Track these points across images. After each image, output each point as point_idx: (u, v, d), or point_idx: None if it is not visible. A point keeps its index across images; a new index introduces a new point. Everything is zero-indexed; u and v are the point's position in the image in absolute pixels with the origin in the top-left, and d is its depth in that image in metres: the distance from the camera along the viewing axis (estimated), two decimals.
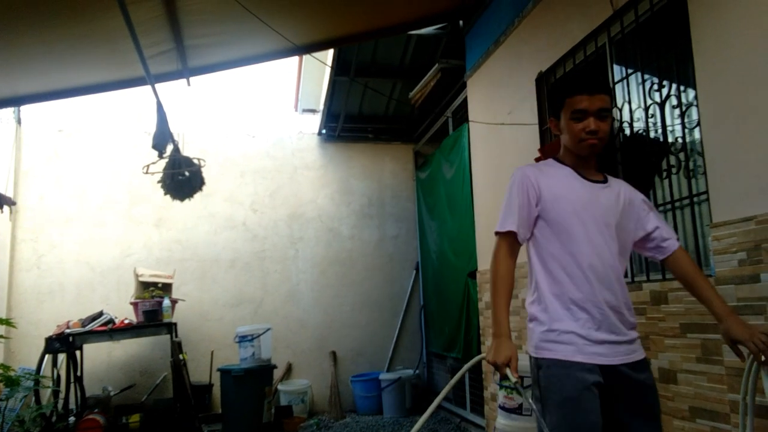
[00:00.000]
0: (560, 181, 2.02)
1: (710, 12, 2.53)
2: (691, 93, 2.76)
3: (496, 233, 2.05)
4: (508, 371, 1.89)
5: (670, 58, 2.91)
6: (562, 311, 1.93)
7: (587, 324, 1.91)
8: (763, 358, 1.87)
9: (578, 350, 1.89)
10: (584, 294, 1.92)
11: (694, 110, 2.73)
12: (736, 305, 2.33)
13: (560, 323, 1.92)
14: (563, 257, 1.96)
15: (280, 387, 6.34)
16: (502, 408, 3.63)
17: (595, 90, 1.97)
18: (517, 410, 3.55)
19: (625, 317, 1.96)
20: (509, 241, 2.02)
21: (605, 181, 2.08)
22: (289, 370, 6.68)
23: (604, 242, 1.95)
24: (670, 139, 2.93)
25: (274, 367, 6.01)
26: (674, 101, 2.88)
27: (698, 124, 2.65)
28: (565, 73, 2.12)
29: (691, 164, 2.78)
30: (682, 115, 2.82)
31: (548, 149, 3.41)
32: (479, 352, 5.04)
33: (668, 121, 2.94)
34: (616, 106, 3.31)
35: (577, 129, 1.98)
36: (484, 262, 4.90)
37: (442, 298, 6.17)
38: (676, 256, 2.07)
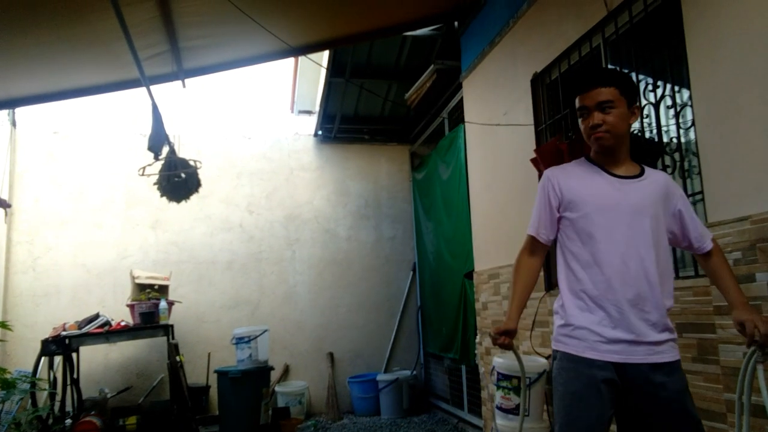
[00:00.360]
0: (584, 180, 2.04)
1: (704, 12, 2.54)
2: (686, 93, 2.77)
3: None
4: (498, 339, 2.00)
5: (665, 59, 2.92)
6: (578, 307, 1.97)
7: (603, 321, 1.92)
8: (757, 338, 1.85)
9: (590, 347, 1.92)
10: (601, 292, 1.93)
11: (688, 110, 2.74)
12: None
13: (575, 319, 1.96)
14: (583, 255, 1.99)
15: (277, 388, 6.33)
16: (500, 408, 3.63)
17: (588, 86, 2.00)
18: (515, 410, 3.55)
19: (652, 318, 1.92)
20: (532, 241, 2.13)
21: (640, 174, 2.06)
22: (286, 372, 6.67)
23: (631, 239, 1.94)
24: (665, 140, 2.94)
25: (272, 368, 6.00)
26: (669, 101, 2.89)
27: (693, 124, 2.66)
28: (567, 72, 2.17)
29: (686, 164, 2.79)
30: (676, 116, 2.83)
31: (544, 150, 3.42)
32: (476, 353, 5.04)
33: (663, 122, 2.94)
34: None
35: (584, 126, 2.03)
36: (480, 262, 4.90)
37: (439, 298, 6.17)
38: (709, 257, 2.07)
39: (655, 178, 2.06)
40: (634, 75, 3.11)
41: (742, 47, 2.35)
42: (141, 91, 4.94)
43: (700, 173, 2.58)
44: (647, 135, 3.07)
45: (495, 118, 4.53)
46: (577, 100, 2.05)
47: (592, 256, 1.97)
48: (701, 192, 2.58)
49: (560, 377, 1.97)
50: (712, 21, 2.49)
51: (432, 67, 5.33)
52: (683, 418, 1.88)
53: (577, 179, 2.06)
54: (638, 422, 1.92)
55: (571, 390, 1.92)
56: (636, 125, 3.14)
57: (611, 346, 1.90)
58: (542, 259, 2.13)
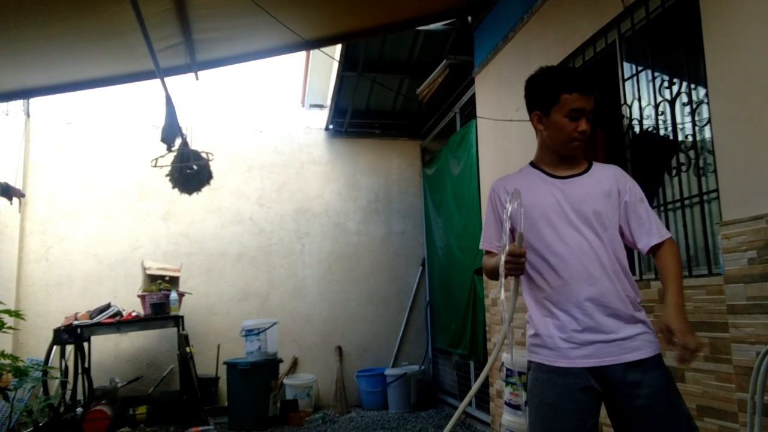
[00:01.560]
0: (525, 189, 1.96)
1: (722, 9, 2.52)
2: (702, 91, 2.74)
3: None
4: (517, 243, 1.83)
5: (681, 56, 2.89)
6: (545, 316, 1.92)
7: (570, 326, 1.86)
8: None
9: (561, 355, 1.86)
10: (563, 296, 1.88)
11: (704, 108, 2.72)
12: (745, 304, 2.33)
13: (544, 328, 1.91)
14: (538, 262, 1.94)
15: (285, 381, 6.37)
16: (508, 404, 3.64)
17: (590, 90, 1.95)
18: (521, 406, 3.55)
19: (619, 312, 1.85)
20: (488, 254, 2.11)
21: (586, 170, 2.00)
22: (294, 365, 6.70)
23: (581, 237, 1.89)
24: (680, 137, 2.91)
25: (280, 361, 6.05)
26: (684, 99, 2.86)
27: (709, 121, 2.64)
28: (548, 67, 2.02)
29: (701, 162, 2.77)
30: (692, 113, 2.80)
31: None
32: (485, 349, 5.05)
33: (678, 119, 2.92)
34: (625, 102, 3.29)
35: (570, 128, 1.93)
36: None
37: (448, 294, 6.17)
38: (656, 252, 1.93)
39: (600, 173, 2.00)
40: (649, 71, 3.09)
41: (761, 45, 2.32)
42: (154, 83, 4.98)
43: (715, 171, 2.56)
44: (662, 132, 3.05)
45: (507, 114, 4.51)
46: (571, 99, 1.91)
47: (546, 261, 1.92)
48: (716, 190, 2.56)
49: (535, 389, 1.92)
50: (731, 18, 2.47)
51: (444, 62, 5.31)
52: (669, 416, 1.79)
53: (522, 187, 1.97)
54: (626, 425, 1.84)
55: (546, 401, 1.86)
56: (650, 122, 3.12)
57: (583, 350, 1.84)
58: None
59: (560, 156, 2.01)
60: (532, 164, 2.10)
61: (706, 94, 2.64)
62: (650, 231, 1.94)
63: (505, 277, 1.84)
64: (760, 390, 2.14)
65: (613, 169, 2.04)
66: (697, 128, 2.79)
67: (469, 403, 5.68)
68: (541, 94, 2.00)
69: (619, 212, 1.96)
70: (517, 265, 1.82)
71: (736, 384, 2.36)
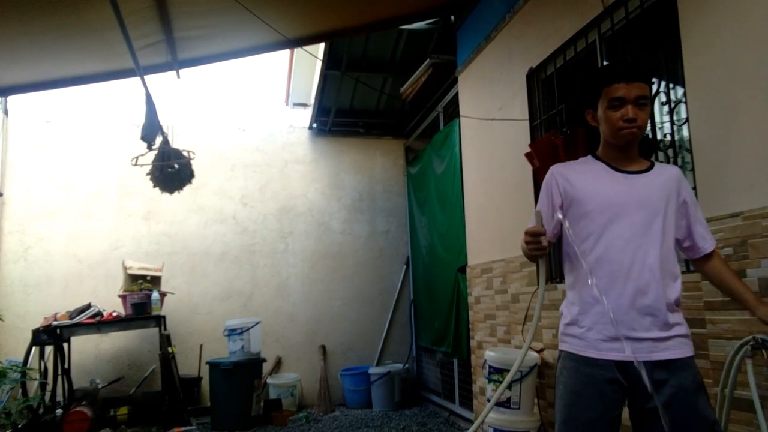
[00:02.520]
0: (588, 179, 2.00)
1: (699, 10, 2.56)
2: (680, 90, 2.78)
3: None
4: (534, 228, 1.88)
5: (660, 56, 2.93)
6: (582, 306, 1.95)
7: (605, 319, 1.87)
8: None
9: (591, 345, 1.90)
10: (608, 290, 1.88)
11: (683, 107, 2.76)
12: (722, 300, 2.37)
13: (578, 318, 1.94)
14: (586, 254, 1.94)
15: (269, 380, 6.34)
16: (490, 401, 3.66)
17: (632, 77, 1.93)
18: (506, 404, 3.58)
19: (659, 314, 1.86)
20: None
21: (649, 168, 2.01)
22: (278, 364, 6.68)
23: (634, 234, 1.90)
24: (659, 136, 2.95)
25: (264, 360, 6.02)
26: (663, 98, 2.90)
27: (687, 120, 2.68)
28: (597, 67, 2.05)
29: (679, 161, 2.81)
30: (671, 112, 2.84)
31: (539, 145, 3.43)
32: (468, 347, 5.07)
33: (657, 118, 2.96)
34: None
35: (615, 118, 1.94)
36: (474, 257, 4.92)
37: (432, 292, 6.19)
38: (709, 259, 2.01)
39: (664, 172, 2.01)
40: None
41: (736, 44, 2.36)
42: (134, 81, 4.92)
43: (693, 169, 2.60)
44: None
45: (490, 112, 4.54)
46: (610, 90, 1.94)
47: (595, 253, 1.93)
48: (694, 188, 2.60)
49: (562, 376, 1.97)
50: (708, 18, 2.51)
51: (428, 61, 5.33)
52: (690, 419, 1.79)
53: (582, 176, 2.02)
54: (644, 423, 1.86)
55: (571, 389, 1.91)
56: None
57: (613, 344, 1.86)
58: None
59: (619, 149, 2.00)
60: (595, 156, 2.08)
61: (684, 94, 2.68)
62: (708, 236, 2.01)
63: (530, 258, 1.92)
64: (731, 383, 2.19)
65: (675, 169, 2.05)
66: (675, 127, 2.83)
67: (453, 401, 5.70)
68: (589, 92, 2.07)
69: (678, 214, 1.98)
70: (537, 245, 1.86)
71: (713, 379, 2.39)
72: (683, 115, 2.75)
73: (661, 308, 1.87)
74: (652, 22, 2.97)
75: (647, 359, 1.83)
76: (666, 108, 2.89)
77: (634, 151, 2.02)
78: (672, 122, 2.83)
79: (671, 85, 2.86)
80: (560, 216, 1.99)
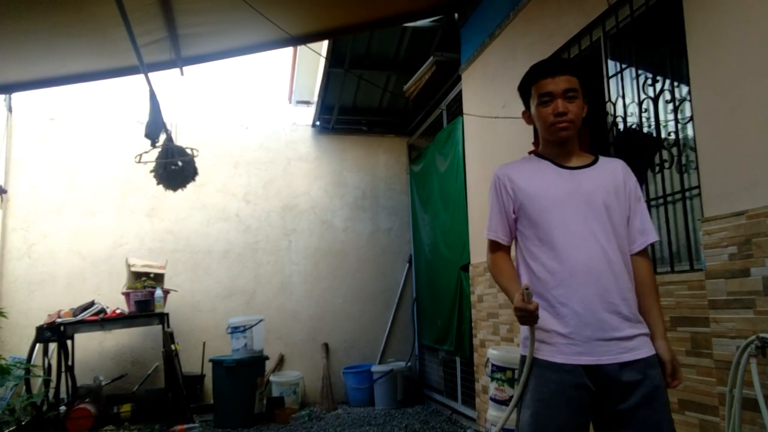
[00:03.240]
0: (535, 177, 1.95)
1: (704, 8, 2.54)
2: (685, 88, 2.77)
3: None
4: (525, 297, 1.77)
5: (664, 54, 2.92)
6: (544, 309, 1.85)
7: (571, 322, 1.81)
8: (670, 381, 1.83)
9: (558, 350, 1.82)
10: (566, 290, 1.83)
11: (687, 105, 2.75)
12: (726, 299, 2.36)
13: (542, 322, 1.83)
14: (543, 254, 1.89)
15: (272, 378, 6.35)
16: (494, 400, 3.66)
17: (557, 71, 1.91)
18: (508, 402, 3.57)
19: (622, 309, 1.81)
20: (494, 243, 2.05)
21: (593, 162, 1.97)
22: (281, 362, 6.69)
23: (589, 231, 1.85)
24: (663, 134, 2.94)
25: (266, 358, 6.03)
26: (668, 96, 2.89)
27: (691, 119, 2.67)
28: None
29: (683, 159, 2.80)
30: (675, 110, 2.83)
31: None
32: (471, 345, 5.07)
33: (661, 117, 2.95)
34: (610, 100, 3.32)
35: (546, 113, 1.91)
36: (476, 255, 4.91)
37: (435, 291, 6.18)
38: (638, 257, 1.93)
39: (608, 166, 1.97)
40: (633, 69, 3.11)
41: (742, 43, 2.35)
42: (138, 78, 4.92)
43: (697, 168, 2.59)
44: (645, 129, 3.08)
45: (494, 110, 4.53)
46: (538, 87, 1.93)
47: (551, 253, 1.87)
48: (698, 187, 2.59)
49: (529, 383, 1.87)
50: (713, 16, 2.50)
51: (431, 58, 5.32)
52: (657, 417, 1.76)
53: (529, 175, 1.97)
54: (614, 424, 1.79)
55: (539, 397, 1.82)
56: (634, 119, 3.15)
57: (580, 347, 1.79)
58: (509, 254, 2.04)
59: (558, 145, 1.96)
60: (537, 155, 2.04)
61: (689, 92, 2.67)
62: (646, 232, 1.94)
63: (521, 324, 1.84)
64: (739, 383, 2.18)
65: (618, 162, 2.01)
66: (679, 125, 2.82)
67: (455, 399, 5.70)
68: (521, 93, 2.06)
69: (624, 204, 1.93)
70: (529, 317, 1.77)
71: (717, 378, 2.39)
72: (687, 113, 2.74)
73: (623, 304, 1.82)
74: (657, 20, 2.95)
75: (617, 362, 1.77)
76: (670, 106, 2.88)
77: (574, 145, 1.98)
78: (676, 120, 2.82)
79: (676, 83, 2.85)
80: (513, 217, 1.97)
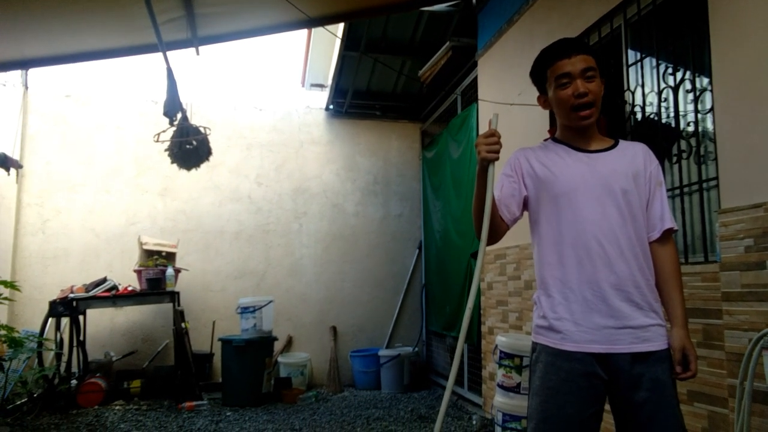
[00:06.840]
0: (551, 161, 1.90)
1: None
2: (705, 79, 2.74)
3: None
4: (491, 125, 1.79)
5: (686, 43, 2.88)
6: (556, 295, 1.82)
7: (582, 308, 1.77)
8: (679, 371, 1.77)
9: (568, 338, 1.77)
10: (578, 276, 1.78)
11: (707, 96, 2.71)
12: (740, 291, 2.34)
13: (553, 308, 1.81)
14: (555, 239, 1.84)
15: (280, 359, 6.40)
16: (501, 386, 3.67)
17: (572, 51, 1.84)
18: (515, 389, 3.59)
19: (635, 297, 1.76)
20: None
21: (614, 146, 1.91)
22: (289, 343, 6.74)
23: (603, 215, 1.79)
24: (681, 125, 2.91)
25: (275, 339, 6.08)
26: (688, 86, 2.86)
27: (711, 110, 2.64)
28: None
29: (702, 150, 2.77)
30: (695, 101, 2.80)
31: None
32: (479, 332, 5.08)
33: (681, 107, 2.92)
34: (628, 88, 3.28)
35: (566, 95, 1.84)
36: None
37: (444, 277, 6.19)
38: (658, 244, 1.86)
39: (629, 150, 1.90)
40: (653, 58, 3.08)
41: (766, 34, 2.31)
42: (153, 57, 4.92)
43: (716, 159, 2.56)
44: (664, 119, 3.05)
45: (510, 97, 4.49)
46: (554, 69, 1.86)
47: (563, 238, 1.82)
48: (716, 178, 2.57)
49: (539, 371, 1.83)
50: (738, 6, 2.45)
51: (447, 44, 5.27)
52: (665, 411, 1.72)
53: (544, 159, 1.92)
54: (626, 417, 1.76)
55: (548, 385, 1.78)
56: (652, 109, 3.12)
57: (591, 335, 1.75)
58: (503, 230, 1.98)
59: (577, 130, 1.90)
60: (555, 140, 1.98)
61: (710, 83, 2.64)
62: (665, 218, 1.86)
63: (482, 162, 1.79)
64: (750, 375, 2.17)
65: (641, 146, 1.94)
66: (699, 116, 2.79)
67: (462, 385, 5.73)
68: (536, 78, 1.98)
69: (643, 189, 1.86)
70: (491, 146, 1.76)
71: (728, 370, 2.38)
72: (708, 104, 2.71)
73: (636, 292, 1.77)
74: (679, 9, 2.91)
75: (629, 351, 1.73)
76: (690, 96, 2.84)
77: (593, 128, 1.90)
78: (696, 111, 2.79)
79: (697, 74, 2.81)
80: (525, 194, 1.92)
